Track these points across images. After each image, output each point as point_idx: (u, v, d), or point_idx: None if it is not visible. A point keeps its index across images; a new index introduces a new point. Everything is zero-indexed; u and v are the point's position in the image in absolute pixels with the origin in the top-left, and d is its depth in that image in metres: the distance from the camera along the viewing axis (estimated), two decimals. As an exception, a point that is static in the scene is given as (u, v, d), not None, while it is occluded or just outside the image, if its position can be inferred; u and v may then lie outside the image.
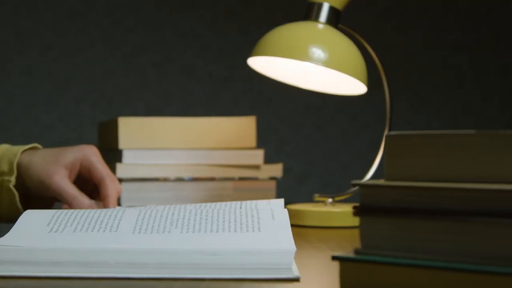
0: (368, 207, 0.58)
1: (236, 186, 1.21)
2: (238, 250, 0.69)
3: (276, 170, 1.27)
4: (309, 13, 1.08)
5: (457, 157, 0.57)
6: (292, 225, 1.09)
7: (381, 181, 0.59)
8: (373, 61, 1.12)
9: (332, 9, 1.08)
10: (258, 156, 1.24)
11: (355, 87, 1.10)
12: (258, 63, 1.13)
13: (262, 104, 2.77)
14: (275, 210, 0.81)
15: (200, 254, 0.68)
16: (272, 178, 1.25)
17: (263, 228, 0.75)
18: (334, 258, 0.58)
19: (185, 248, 0.70)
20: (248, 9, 2.78)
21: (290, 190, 2.77)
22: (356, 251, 0.58)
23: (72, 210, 0.80)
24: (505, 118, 2.90)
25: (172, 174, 1.20)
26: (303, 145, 2.81)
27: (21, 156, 0.97)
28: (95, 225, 0.75)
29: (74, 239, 0.72)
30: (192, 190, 1.20)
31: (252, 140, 1.24)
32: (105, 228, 0.74)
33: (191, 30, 2.74)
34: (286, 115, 2.79)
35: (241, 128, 1.24)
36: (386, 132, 1.11)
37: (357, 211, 0.58)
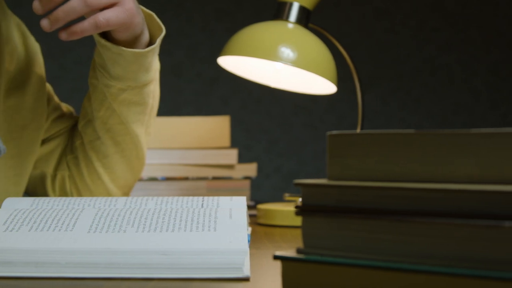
0: (310, 206, 0.58)
1: (209, 186, 1.21)
2: (188, 249, 0.69)
3: (250, 169, 1.27)
4: (279, 12, 1.08)
5: (398, 156, 0.57)
6: (262, 225, 1.10)
7: (323, 181, 0.59)
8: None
9: (302, 9, 1.08)
10: (232, 155, 1.24)
11: (326, 86, 1.10)
12: (230, 63, 1.13)
13: (252, 103, 2.77)
14: (234, 209, 0.81)
15: (151, 253, 0.68)
16: (246, 178, 1.25)
17: (219, 228, 0.75)
18: (275, 257, 0.58)
19: (137, 248, 0.69)
20: (238, 10, 2.78)
21: (280, 189, 2.78)
22: (298, 251, 0.58)
23: (30, 209, 0.80)
24: (495, 116, 2.90)
25: (145, 174, 1.20)
26: (293, 144, 2.81)
27: None
28: (51, 224, 0.75)
29: (28, 239, 0.72)
30: (165, 189, 1.20)
31: (226, 139, 1.24)
32: (61, 227, 0.74)
33: (180, 30, 2.74)
34: (276, 114, 2.79)
35: (215, 128, 1.24)
36: (359, 130, 1.10)
37: (299, 211, 0.58)
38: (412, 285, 0.54)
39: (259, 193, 2.47)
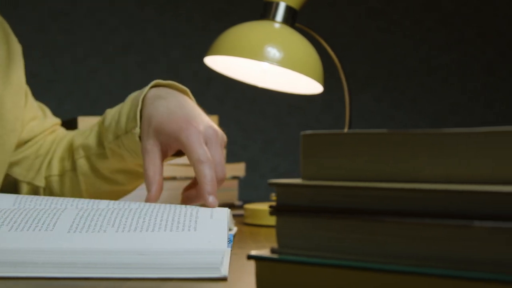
0: (284, 206, 0.58)
1: (197, 186, 1.21)
2: (167, 249, 0.69)
3: (239, 169, 1.27)
4: (265, 12, 1.08)
5: (372, 156, 0.56)
6: (248, 225, 1.09)
7: (297, 181, 0.58)
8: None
9: (288, 9, 1.07)
10: (220, 155, 1.23)
11: (313, 86, 1.10)
12: (217, 62, 1.13)
13: (247, 103, 2.77)
14: (215, 209, 0.81)
15: (129, 253, 0.68)
16: (234, 177, 1.25)
17: (199, 228, 0.75)
18: (249, 257, 0.58)
19: (116, 248, 0.69)
20: (234, 9, 2.78)
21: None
22: (272, 250, 0.58)
23: (12, 209, 0.79)
24: (490, 116, 2.90)
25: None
26: (289, 144, 2.81)
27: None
28: (31, 224, 0.75)
29: (7, 239, 0.72)
30: (153, 189, 1.19)
31: (214, 139, 1.24)
32: (41, 227, 0.74)
33: (175, 29, 2.74)
34: (271, 114, 2.79)
35: (203, 128, 1.23)
36: (345, 130, 1.10)
37: (273, 211, 0.58)
38: (385, 285, 0.54)
39: (256, 193, 2.47)
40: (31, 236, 0.72)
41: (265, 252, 0.58)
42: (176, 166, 1.21)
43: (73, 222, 0.75)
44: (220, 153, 0.91)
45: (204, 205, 0.88)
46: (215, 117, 1.27)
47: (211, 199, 0.88)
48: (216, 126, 0.93)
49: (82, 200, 0.86)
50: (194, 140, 0.89)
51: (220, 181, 0.91)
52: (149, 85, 0.96)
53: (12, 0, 2.61)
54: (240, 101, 2.77)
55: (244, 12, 2.73)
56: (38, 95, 2.78)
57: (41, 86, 2.60)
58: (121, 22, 2.66)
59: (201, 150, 0.89)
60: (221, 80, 2.78)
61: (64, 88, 2.63)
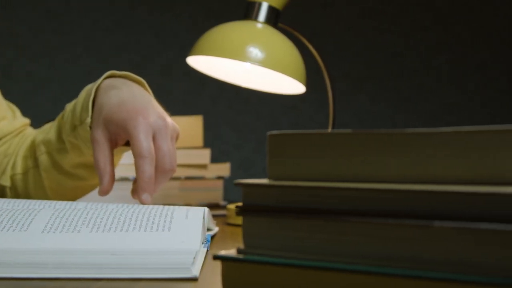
0: (250, 206, 0.58)
1: (182, 186, 1.21)
2: (138, 249, 0.69)
3: (224, 169, 1.26)
4: (248, 12, 1.08)
5: (337, 156, 0.56)
6: (230, 225, 1.09)
7: (263, 181, 0.58)
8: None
9: (271, 9, 1.07)
10: (205, 155, 1.23)
11: (295, 86, 1.10)
12: (200, 62, 1.13)
13: (240, 103, 2.77)
14: (191, 209, 0.81)
15: (101, 253, 0.68)
16: (219, 178, 1.25)
17: (173, 228, 0.75)
18: (215, 257, 0.58)
19: (88, 248, 0.69)
20: (228, 9, 2.78)
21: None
22: (238, 251, 0.58)
23: (-13, 210, 0.79)
24: (484, 116, 2.90)
25: (116, 174, 1.19)
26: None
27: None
28: (6, 224, 0.75)
29: (-20, 239, 0.72)
30: (137, 189, 1.19)
31: (199, 139, 1.24)
32: (16, 227, 0.74)
33: (170, 29, 2.74)
34: (265, 114, 2.79)
35: (188, 128, 1.23)
36: (330, 130, 1.10)
37: (240, 211, 0.58)
38: (350, 285, 0.54)
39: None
40: (4, 237, 0.72)
41: (231, 252, 0.58)
42: (128, 166, 1.20)
43: (47, 222, 0.75)
44: (169, 144, 0.89)
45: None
46: (199, 117, 1.27)
47: (144, 196, 0.88)
48: (168, 118, 0.92)
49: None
50: (141, 131, 0.87)
51: (167, 172, 0.89)
52: (104, 76, 0.96)
53: (10, 0, 2.61)
54: (234, 101, 2.77)
55: (239, 11, 2.73)
56: (34, 94, 2.77)
57: (37, 86, 2.60)
58: (116, 22, 2.66)
59: (145, 143, 0.87)
60: (215, 81, 2.78)
61: (60, 87, 2.63)
